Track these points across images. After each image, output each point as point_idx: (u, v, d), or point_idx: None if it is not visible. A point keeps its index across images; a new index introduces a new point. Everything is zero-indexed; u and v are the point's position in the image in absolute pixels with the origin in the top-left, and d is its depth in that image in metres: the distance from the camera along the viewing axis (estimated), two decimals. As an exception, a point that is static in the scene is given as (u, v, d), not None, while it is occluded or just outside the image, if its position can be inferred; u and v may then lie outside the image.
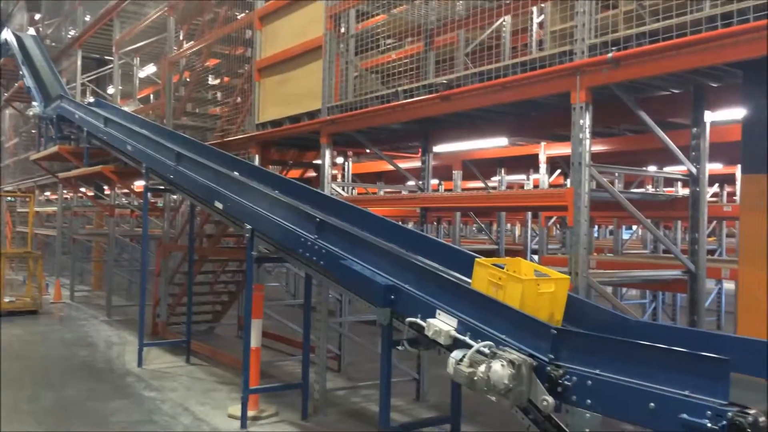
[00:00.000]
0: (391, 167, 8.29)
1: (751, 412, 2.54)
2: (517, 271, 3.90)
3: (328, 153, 7.04)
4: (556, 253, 11.51)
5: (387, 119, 6.21)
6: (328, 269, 5.20)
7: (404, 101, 5.82)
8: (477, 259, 3.99)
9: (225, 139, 9.13)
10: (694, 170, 4.95)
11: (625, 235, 14.84)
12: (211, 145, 8.57)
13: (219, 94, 11.30)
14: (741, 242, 4.44)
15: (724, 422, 2.56)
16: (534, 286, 3.67)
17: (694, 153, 4.96)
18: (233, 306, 11.26)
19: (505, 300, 3.64)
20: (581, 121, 4.34)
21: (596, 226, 20.08)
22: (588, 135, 4.35)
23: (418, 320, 4.11)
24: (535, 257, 10.37)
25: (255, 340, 6.34)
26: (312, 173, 9.96)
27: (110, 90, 16.25)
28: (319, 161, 7.57)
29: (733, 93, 4.75)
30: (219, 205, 6.69)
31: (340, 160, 10.26)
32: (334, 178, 8.93)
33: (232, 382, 7.81)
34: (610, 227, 14.96)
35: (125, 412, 6.59)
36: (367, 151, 9.02)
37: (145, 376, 8.08)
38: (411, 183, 7.90)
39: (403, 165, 9.12)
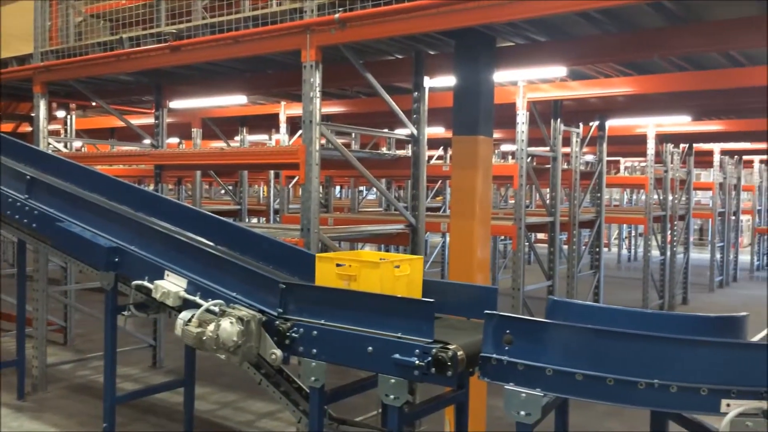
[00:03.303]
0: (123, 123, 7.69)
1: (451, 347, 2.85)
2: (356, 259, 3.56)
3: (42, 104, 6.29)
4: (297, 212, 11.73)
5: (111, 69, 5.72)
6: (43, 233, 4.70)
7: (130, 50, 5.41)
8: (318, 255, 3.63)
9: None
10: (415, 132, 5.33)
11: (371, 196, 15.70)
12: None
13: None
14: (452, 198, 4.93)
15: (429, 358, 2.84)
16: (391, 270, 3.40)
17: (415, 116, 5.33)
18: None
19: (361, 289, 3.30)
20: (312, 80, 4.40)
21: (338, 187, 20.92)
22: (318, 94, 4.43)
23: (146, 283, 3.92)
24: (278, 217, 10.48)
25: (-46, 317, 5.53)
26: (29, 127, 8.85)
27: None
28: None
29: (448, 61, 5.17)
30: None
31: (62, 113, 9.25)
32: (55, 133, 8.06)
33: (-72, 367, 6.74)
34: (360, 188, 15.64)
35: None
36: (94, 104, 8.25)
37: None
38: (147, 141, 7.42)
39: (137, 121, 8.53)
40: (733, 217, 15.42)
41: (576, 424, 5.72)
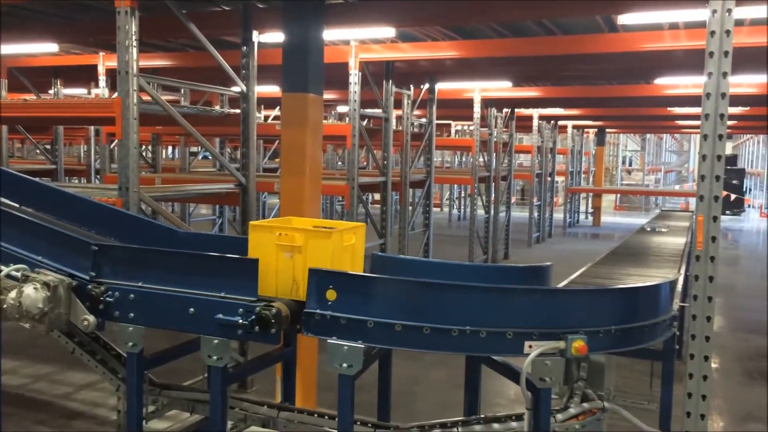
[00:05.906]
0: None
1: (275, 305, 2.82)
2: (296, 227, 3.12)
3: None
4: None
5: None
6: None
7: None
8: (252, 223, 3.10)
9: None
10: (244, 88, 5.17)
11: (205, 156, 15.13)
12: None
13: None
14: (282, 156, 4.87)
15: (253, 316, 2.79)
16: (341, 240, 3.01)
17: (244, 72, 5.17)
18: None
19: (308, 263, 2.92)
20: (127, 27, 4.09)
21: (171, 147, 19.96)
22: (135, 43, 4.14)
23: (-67, 249, 3.49)
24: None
25: None
26: None
27: None
28: None
29: (278, 15, 5.03)
30: None
31: None
32: None
33: None
34: (193, 148, 14.94)
35: None
36: None
37: None
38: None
39: (-75, 68, 7.52)
40: (549, 179, 16.74)
41: (406, 374, 6.01)
